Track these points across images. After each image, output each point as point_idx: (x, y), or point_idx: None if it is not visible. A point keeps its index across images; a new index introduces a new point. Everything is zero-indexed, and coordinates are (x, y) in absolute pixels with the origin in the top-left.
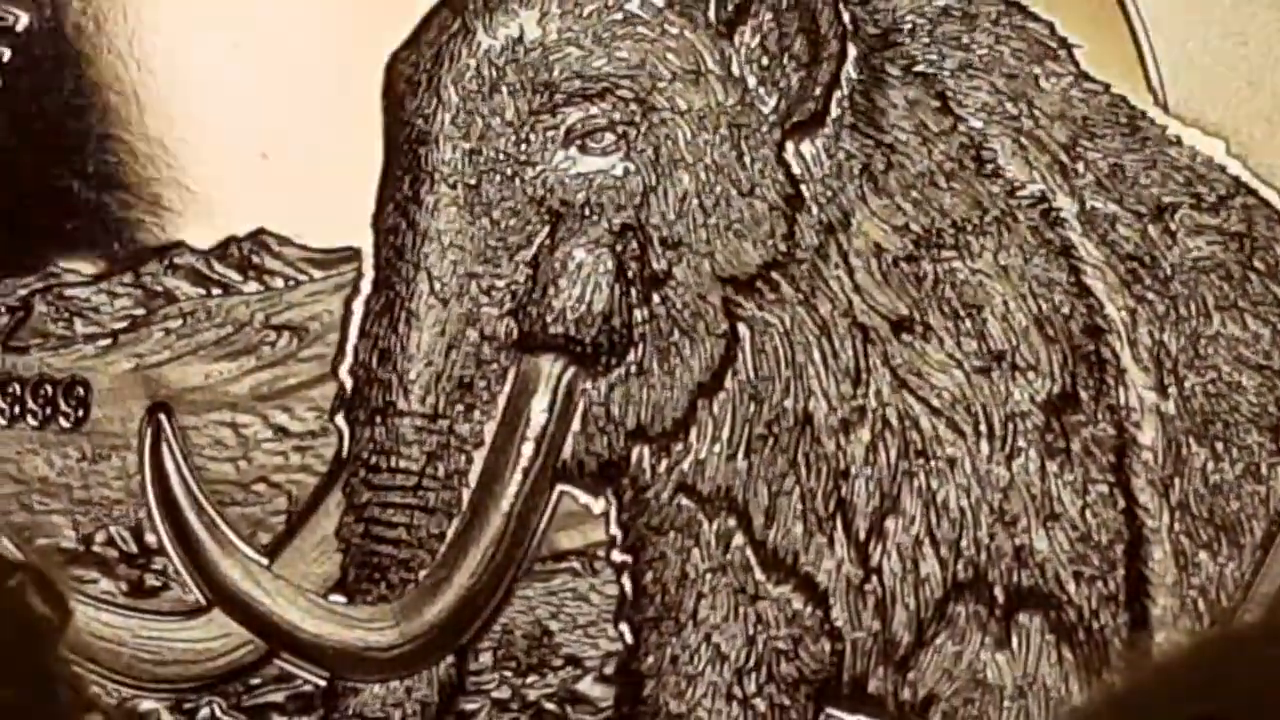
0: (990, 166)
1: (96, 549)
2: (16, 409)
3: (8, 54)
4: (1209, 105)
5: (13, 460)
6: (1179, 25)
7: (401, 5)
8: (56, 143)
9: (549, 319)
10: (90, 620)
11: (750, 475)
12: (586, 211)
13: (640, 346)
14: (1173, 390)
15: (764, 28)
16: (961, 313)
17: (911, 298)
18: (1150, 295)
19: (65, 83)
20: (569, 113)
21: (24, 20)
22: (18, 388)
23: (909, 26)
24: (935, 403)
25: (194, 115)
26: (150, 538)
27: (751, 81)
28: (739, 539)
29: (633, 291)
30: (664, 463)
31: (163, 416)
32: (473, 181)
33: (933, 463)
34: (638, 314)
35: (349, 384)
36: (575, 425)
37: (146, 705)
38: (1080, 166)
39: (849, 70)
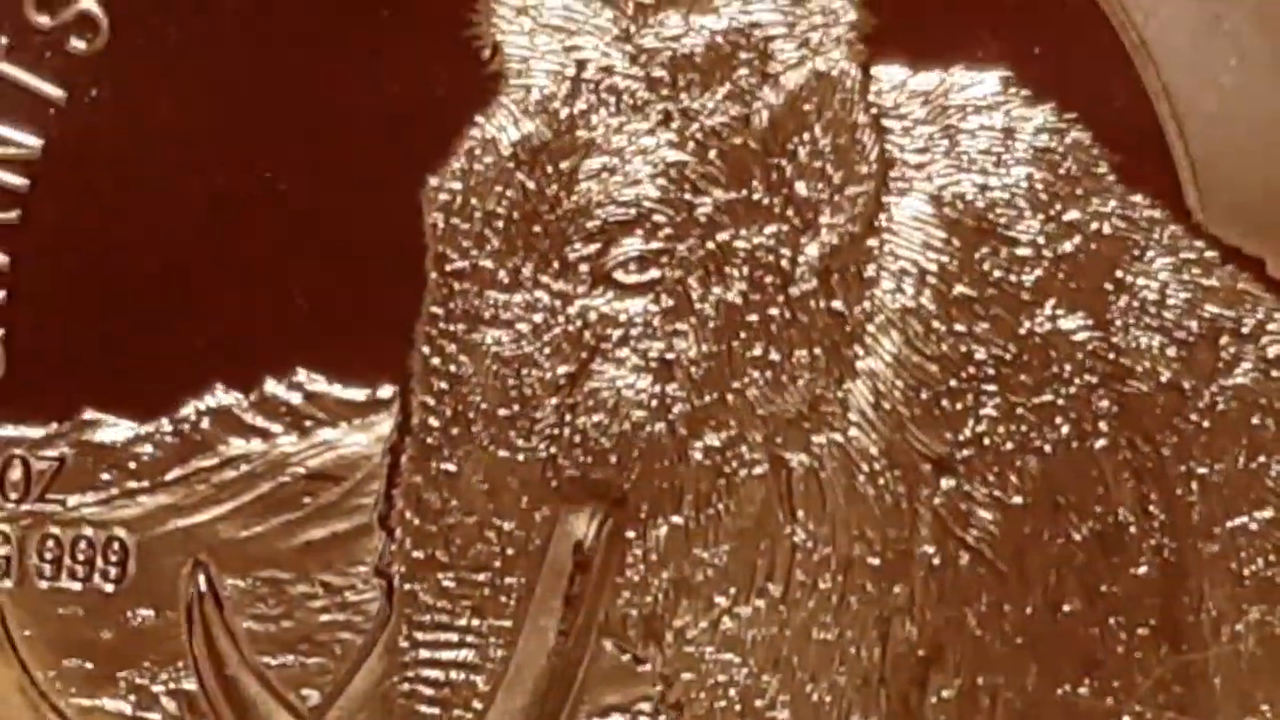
0: (1030, 293)
1: (138, 710)
2: (56, 567)
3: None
4: (1249, 226)
5: (54, 621)
6: (1216, 144)
7: (436, 139)
8: (84, 283)
9: (589, 462)
10: None
11: (795, 626)
12: (623, 347)
13: (681, 493)
14: (1217, 530)
15: (801, 149)
16: (1003, 450)
17: (953, 435)
18: (1192, 429)
19: (91, 217)
20: (604, 242)
21: (39, 145)
22: (56, 544)
23: (946, 144)
24: (977, 545)
25: (233, 256)
26: (196, 699)
27: (789, 208)
28: (784, 694)
29: (673, 432)
30: (707, 616)
31: (203, 575)
32: (509, 319)
33: (976, 608)
34: (678, 457)
35: (391, 535)
36: (618, 577)
37: None
38: (1121, 292)
39: (888, 189)
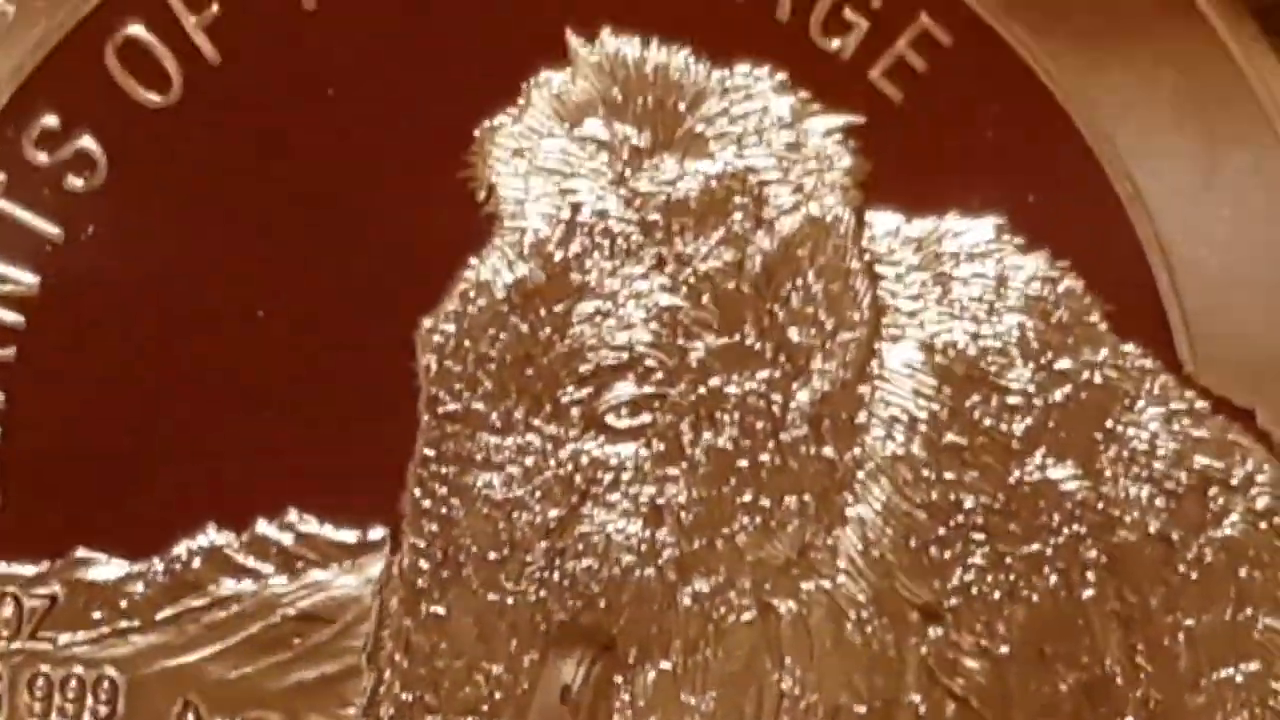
0: (1020, 442)
1: None
2: (46, 705)
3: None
4: (1239, 376)
5: None
6: (1208, 295)
7: (429, 279)
8: (77, 421)
9: (579, 607)
10: None
11: None
12: (614, 493)
13: (672, 638)
14: (1204, 682)
15: (793, 294)
16: (990, 599)
17: (941, 584)
18: (1180, 580)
19: (85, 354)
20: (597, 385)
21: (35, 282)
22: (46, 682)
23: (939, 291)
24: (963, 694)
25: (226, 394)
26: None
27: (781, 354)
28: None
29: (662, 577)
30: None
31: (194, 715)
32: (501, 461)
33: None
34: (668, 602)
35: (380, 677)
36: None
37: None
38: (1111, 442)
39: (879, 339)
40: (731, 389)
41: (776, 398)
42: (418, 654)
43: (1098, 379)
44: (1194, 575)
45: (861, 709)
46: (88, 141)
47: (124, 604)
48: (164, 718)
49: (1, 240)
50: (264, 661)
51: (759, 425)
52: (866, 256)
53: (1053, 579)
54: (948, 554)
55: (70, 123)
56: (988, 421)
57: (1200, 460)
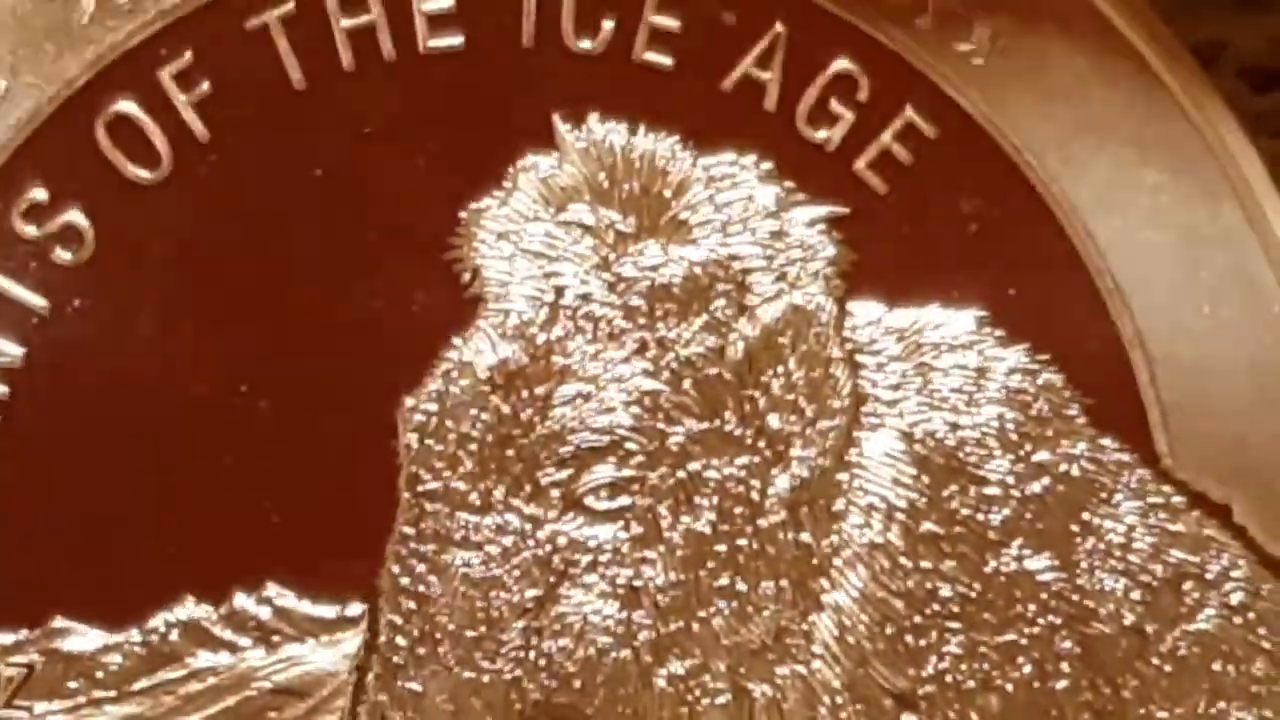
0: (997, 533)
1: None
2: None
3: (6, 391)
4: (1216, 471)
5: None
6: (1187, 390)
7: (413, 360)
8: (59, 491)
9: (554, 687)
10: None
11: None
12: (591, 573)
13: (645, 719)
14: None
15: (774, 382)
16: (965, 688)
17: (916, 671)
18: (1154, 672)
19: (68, 424)
20: (576, 467)
21: (20, 354)
22: None
23: (919, 382)
24: None
25: (203, 468)
26: None
27: (761, 440)
28: None
29: (638, 658)
30: None
31: None
32: (479, 540)
33: None
34: (643, 684)
35: None
36: None
37: None
38: (1088, 535)
39: (861, 423)
40: (711, 473)
41: (755, 483)
42: None
43: (1075, 471)
44: (1167, 668)
45: None
46: (75, 215)
47: (100, 674)
48: None
49: None
50: None
51: (737, 510)
52: (848, 345)
53: (1027, 669)
54: (923, 642)
55: (58, 196)
56: (965, 511)
57: (1176, 554)
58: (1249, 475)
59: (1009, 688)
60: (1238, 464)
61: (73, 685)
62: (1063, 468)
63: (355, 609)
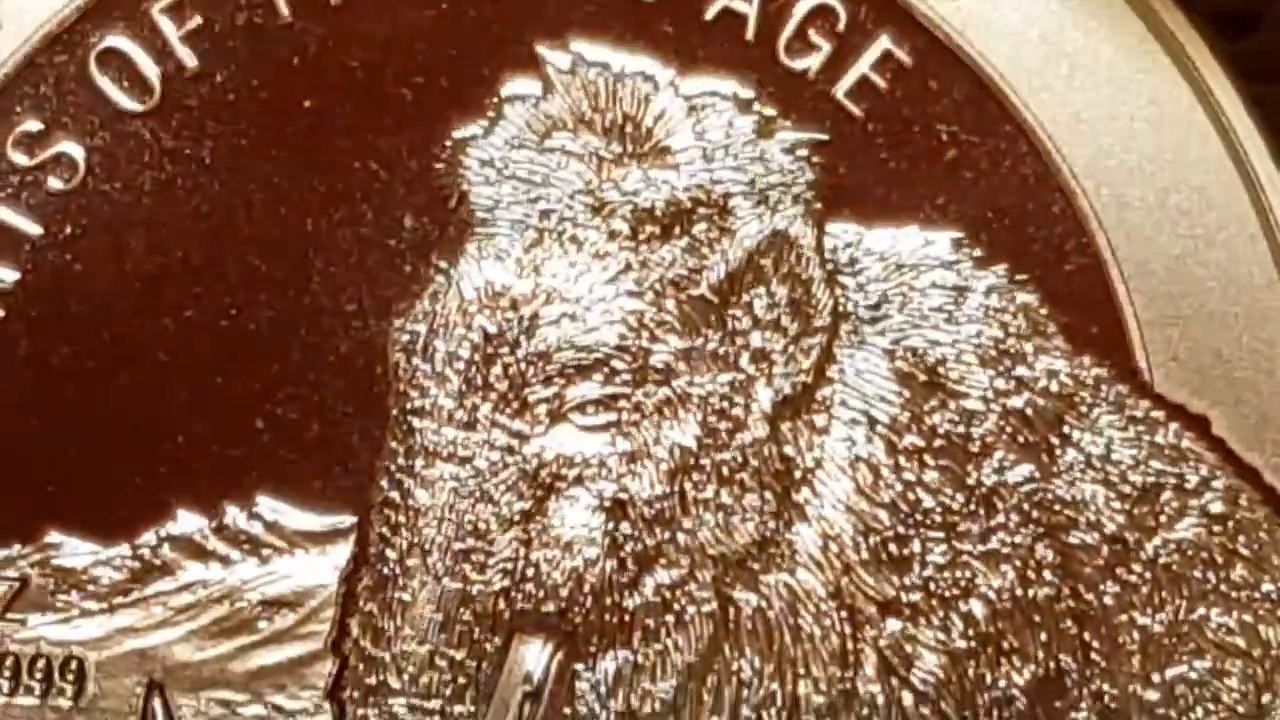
0: (978, 445)
1: None
2: (14, 683)
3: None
4: (1194, 385)
5: None
6: (1164, 307)
7: (400, 281)
8: (52, 408)
9: (541, 596)
10: None
11: None
12: (578, 486)
13: (631, 627)
14: (1156, 678)
15: (756, 301)
16: (948, 595)
17: (899, 579)
18: (1135, 579)
19: (62, 345)
20: (562, 385)
21: (15, 278)
22: (14, 661)
23: (899, 300)
24: (921, 687)
25: (197, 383)
26: None
27: (744, 356)
28: None
29: (624, 569)
30: None
31: (159, 695)
32: (467, 455)
33: None
34: (629, 593)
35: (344, 662)
36: (566, 708)
37: None
38: (1067, 447)
39: (841, 341)
40: (694, 390)
41: (738, 399)
42: (381, 639)
43: (1054, 386)
44: (1148, 575)
45: (820, 699)
46: (68, 145)
47: (93, 587)
48: (129, 697)
49: None
50: (229, 644)
51: (721, 425)
52: (828, 266)
53: (1009, 576)
54: (906, 551)
55: (51, 126)
56: (947, 425)
57: (1155, 465)
58: (1226, 389)
59: (991, 595)
60: (1215, 378)
61: (65, 598)
62: (1042, 383)
63: (344, 522)
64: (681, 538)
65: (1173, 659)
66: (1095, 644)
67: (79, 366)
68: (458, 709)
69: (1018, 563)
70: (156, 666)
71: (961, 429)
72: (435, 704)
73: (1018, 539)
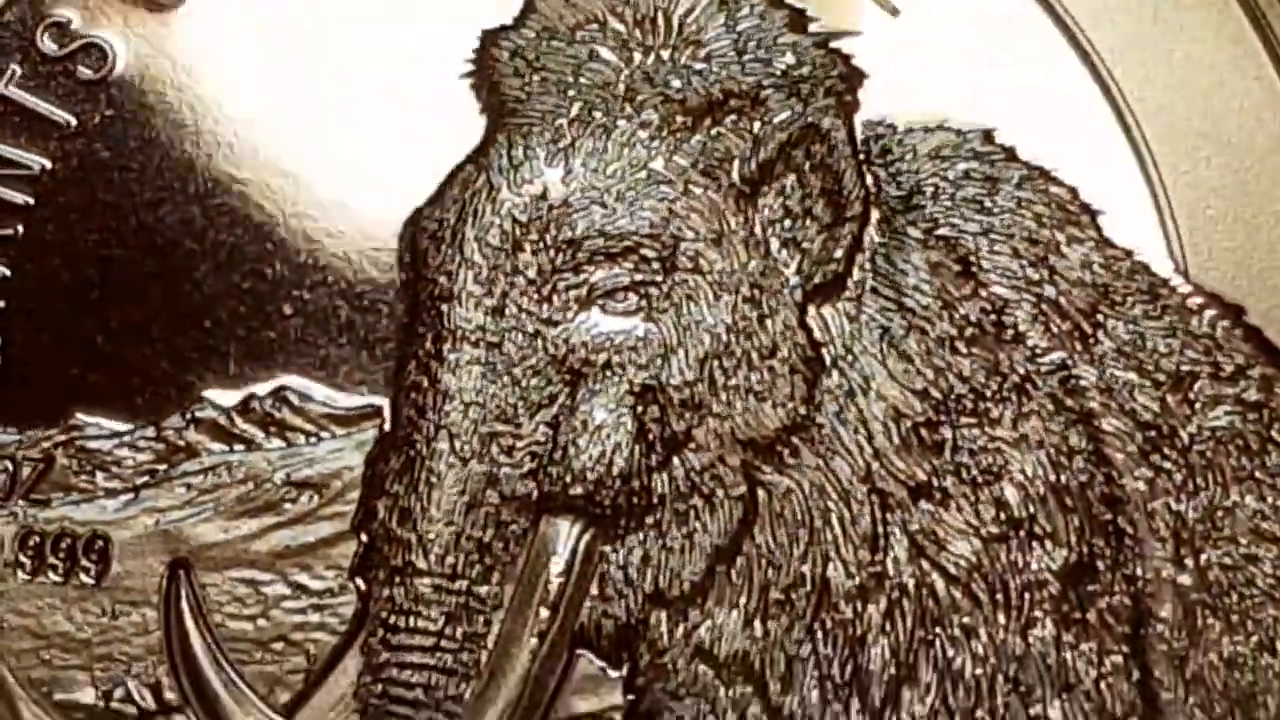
0: (1011, 332)
1: (115, 705)
2: (38, 562)
3: (30, 200)
4: (1230, 274)
5: (33, 615)
6: (1199, 195)
7: (430, 161)
8: (80, 294)
9: (569, 480)
10: None
11: (767, 641)
12: (607, 371)
13: (659, 510)
14: (1189, 562)
15: (787, 190)
16: (980, 480)
17: (930, 464)
18: (1168, 465)
19: (90, 232)
20: (591, 271)
21: (45, 165)
22: (39, 540)
23: (931, 189)
24: (952, 570)
25: (219, 267)
26: (170, 695)
27: (774, 244)
28: (755, 706)
29: (653, 453)
30: (682, 627)
31: (182, 573)
32: (495, 340)
33: (949, 631)
34: (657, 477)
35: (370, 543)
36: (593, 589)
37: None
38: (1100, 334)
39: (871, 233)
40: (725, 277)
41: (769, 286)
42: (407, 520)
43: (1087, 276)
44: (1181, 461)
45: (849, 583)
46: (100, 34)
47: (117, 468)
48: (153, 576)
49: (15, 126)
50: (254, 524)
51: (751, 312)
52: (860, 156)
53: (1041, 462)
54: (937, 437)
55: (83, 16)
56: (978, 313)
57: (1189, 353)
58: (1261, 279)
59: (1023, 480)
60: (1250, 267)
61: (90, 478)
62: (1075, 273)
63: (371, 404)
64: (711, 422)
65: (1206, 544)
66: (1128, 529)
67: (106, 251)
68: (484, 590)
69: (1050, 449)
70: (180, 546)
71: (994, 317)
72: (461, 585)
73: (1050, 425)
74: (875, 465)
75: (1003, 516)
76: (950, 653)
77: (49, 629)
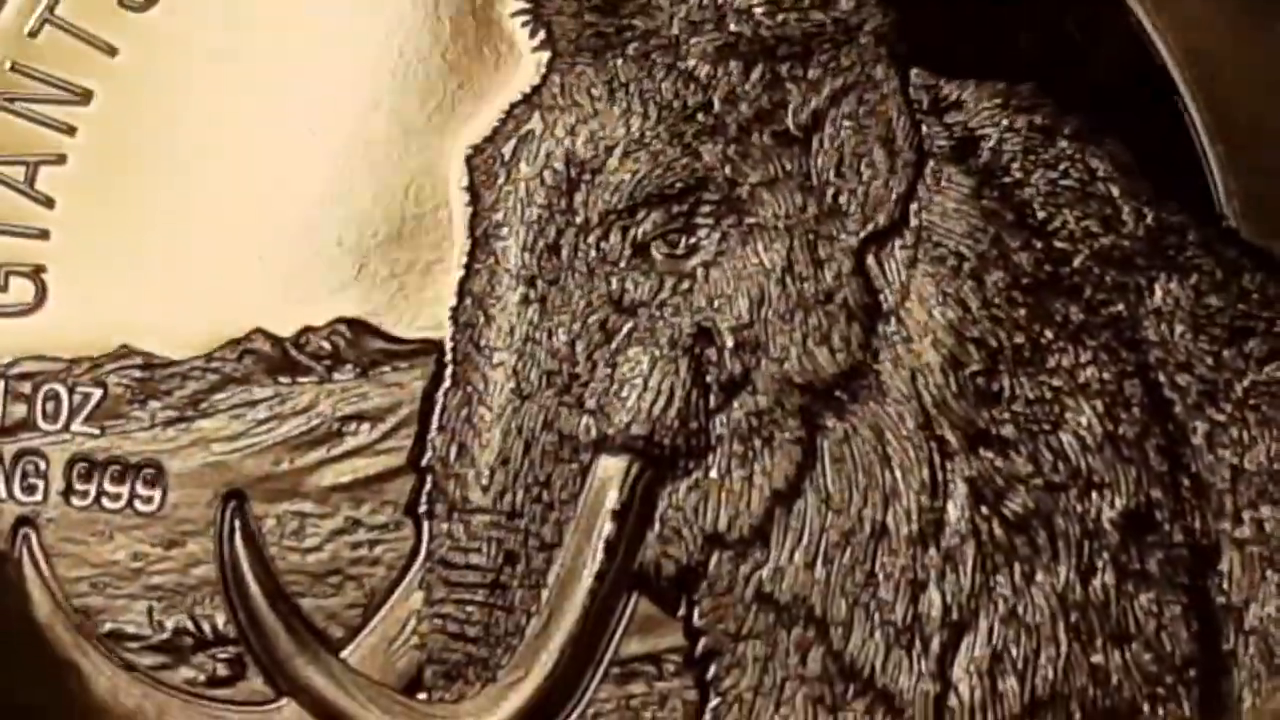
0: (1067, 283)
1: (168, 635)
2: (89, 490)
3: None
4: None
5: (84, 542)
6: (1253, 152)
7: (481, 97)
8: (129, 222)
9: (626, 420)
10: (161, 710)
11: (828, 585)
12: (663, 312)
13: (718, 451)
14: (1247, 515)
15: (842, 136)
16: (1037, 429)
17: (988, 413)
18: (1224, 419)
19: (143, 159)
20: (646, 214)
21: (93, 91)
22: (88, 467)
23: (985, 140)
24: (1011, 518)
25: (274, 200)
26: (225, 627)
27: (829, 190)
28: (817, 650)
29: (710, 395)
30: (742, 570)
31: (237, 503)
32: (551, 279)
33: (1010, 578)
34: (715, 418)
35: (426, 478)
36: (652, 529)
37: None
38: (1155, 288)
39: (926, 180)
40: (779, 224)
41: (825, 232)
42: (465, 456)
43: (1141, 230)
44: (1237, 415)
45: (907, 528)
46: None
47: (169, 397)
48: (207, 507)
49: (65, 54)
50: (308, 457)
51: (805, 256)
52: (912, 106)
53: (1099, 412)
54: (995, 385)
55: None
56: (1033, 264)
57: (1243, 308)
58: None
59: (1081, 430)
60: None
61: (144, 408)
62: (1128, 226)
63: (427, 339)
64: (768, 366)
65: (1263, 498)
66: (1185, 481)
67: (156, 180)
68: (542, 528)
69: (1107, 399)
70: (235, 477)
71: (1049, 268)
72: (519, 523)
73: (1106, 375)
74: (934, 412)
75: (1061, 465)
76: (1010, 600)
77: (102, 558)
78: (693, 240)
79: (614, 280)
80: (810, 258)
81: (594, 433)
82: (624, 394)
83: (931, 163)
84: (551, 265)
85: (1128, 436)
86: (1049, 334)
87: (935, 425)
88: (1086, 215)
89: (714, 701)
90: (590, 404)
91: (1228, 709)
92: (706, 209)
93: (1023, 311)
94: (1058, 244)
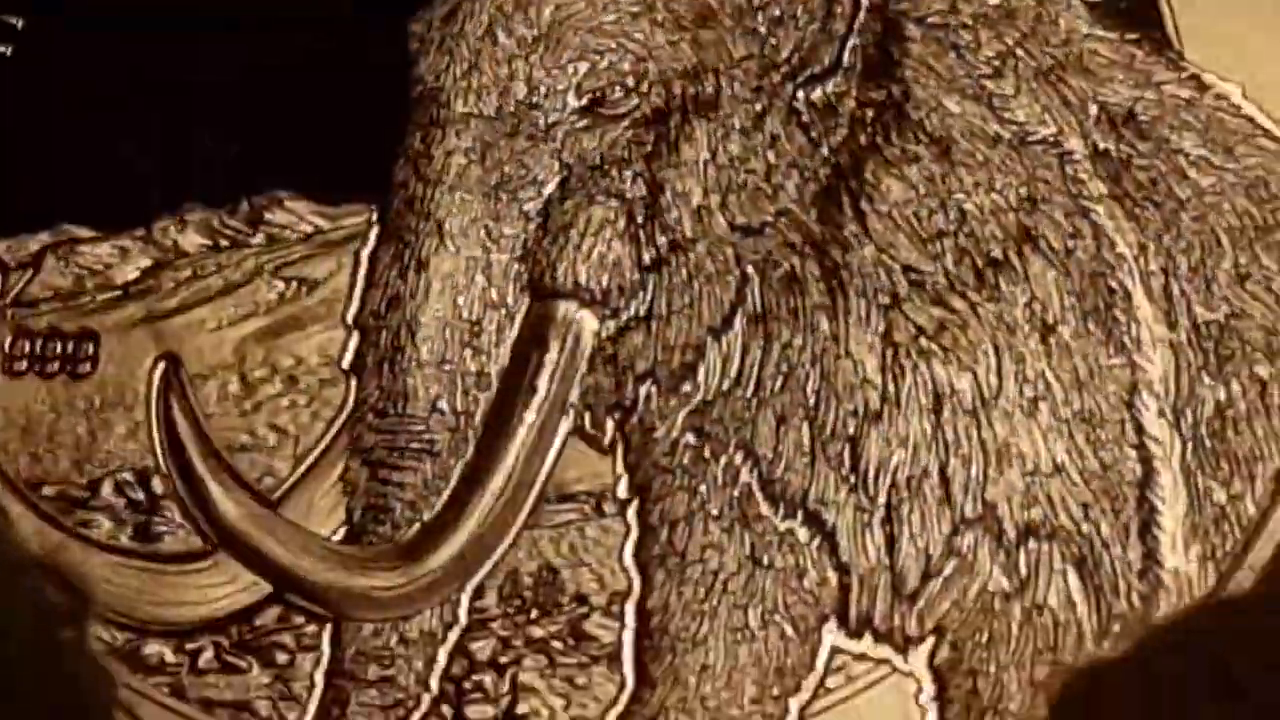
0: (1005, 114)
1: (104, 496)
2: (26, 363)
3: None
4: (1224, 51)
5: (21, 410)
6: None
7: None
8: (68, 100)
9: (560, 267)
10: (94, 564)
11: (759, 412)
12: (600, 165)
13: (652, 290)
14: (1183, 322)
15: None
16: (974, 254)
17: (925, 247)
18: (1159, 228)
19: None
20: (582, 67)
21: None
22: (27, 343)
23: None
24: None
25: (215, 80)
26: (158, 486)
27: (763, 31)
28: (746, 475)
29: (646, 245)
30: (672, 401)
31: (171, 364)
32: (486, 135)
33: (943, 400)
34: (649, 262)
35: (357, 331)
36: (584, 367)
37: (150, 648)
38: (1093, 109)
39: (862, 21)
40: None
41: (766, 82)
42: (398, 308)
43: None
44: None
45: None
46: None
47: (106, 270)
48: (142, 369)
49: None
50: (248, 326)
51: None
52: None
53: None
54: None
55: None
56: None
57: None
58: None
59: None
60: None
61: (78, 283)
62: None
63: (361, 205)
64: (705, 214)
65: (1199, 304)
66: (1119, 291)
67: (97, 57)
68: (473, 371)
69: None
70: (168, 339)
71: (985, 99)
72: (450, 368)
73: (1041, 194)
74: (869, 250)
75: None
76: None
77: (39, 425)
78: (627, 91)
79: (549, 134)
80: (746, 105)
81: (526, 278)
82: (558, 244)
83: (867, 1)
84: (485, 119)
85: (1060, 252)
86: (982, 151)
87: (870, 262)
88: (1021, 44)
89: (644, 532)
90: (523, 253)
91: (1164, 517)
92: (641, 61)
93: (963, 142)
94: (988, 70)
